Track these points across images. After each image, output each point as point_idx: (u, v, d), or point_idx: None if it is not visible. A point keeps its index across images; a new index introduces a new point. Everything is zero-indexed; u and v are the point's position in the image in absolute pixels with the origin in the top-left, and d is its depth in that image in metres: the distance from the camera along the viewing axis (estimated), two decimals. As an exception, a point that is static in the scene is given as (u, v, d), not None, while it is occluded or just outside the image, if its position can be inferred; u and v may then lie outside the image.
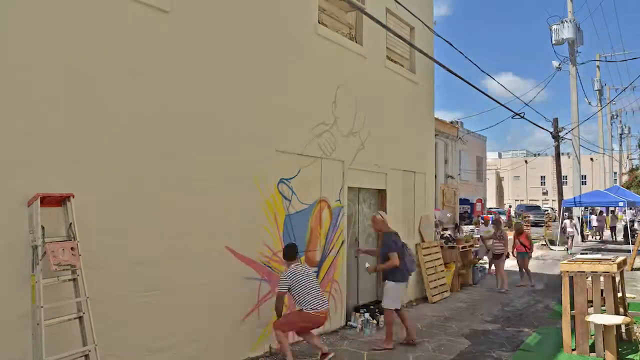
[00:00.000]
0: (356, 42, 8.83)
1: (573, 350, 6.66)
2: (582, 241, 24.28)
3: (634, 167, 42.90)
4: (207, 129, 5.81)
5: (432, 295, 10.27)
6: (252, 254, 6.35)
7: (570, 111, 23.56)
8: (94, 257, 4.52)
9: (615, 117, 45.32)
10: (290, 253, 6.23)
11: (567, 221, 21.41)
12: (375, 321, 7.92)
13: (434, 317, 8.93)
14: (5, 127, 4.07)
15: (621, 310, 7.16)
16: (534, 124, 23.97)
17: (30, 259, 4.13)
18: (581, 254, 13.85)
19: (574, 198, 21.46)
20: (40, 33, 4.32)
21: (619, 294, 7.25)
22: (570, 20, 23.27)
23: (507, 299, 10.71)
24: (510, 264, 13.32)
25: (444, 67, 9.43)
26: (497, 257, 12.04)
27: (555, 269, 14.27)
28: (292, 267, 6.09)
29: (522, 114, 16.32)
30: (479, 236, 13.82)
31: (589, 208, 27.64)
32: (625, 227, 22.21)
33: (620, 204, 20.02)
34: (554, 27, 23.45)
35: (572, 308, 6.72)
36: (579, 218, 24.49)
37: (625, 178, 42.71)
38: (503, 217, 27.14)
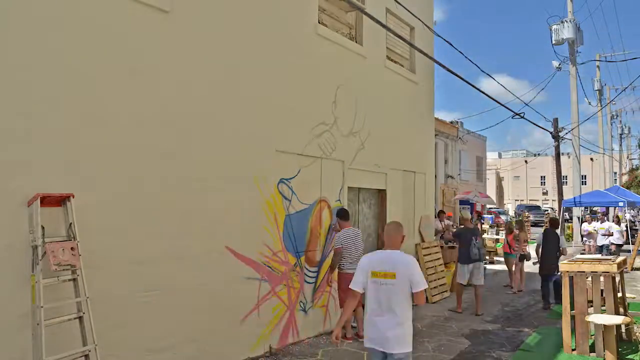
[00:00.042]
0: (356, 42, 8.83)
1: (573, 350, 6.66)
2: (582, 241, 24.26)
3: (634, 167, 42.88)
4: (207, 129, 5.81)
5: (432, 295, 10.26)
6: (252, 254, 6.35)
7: (570, 111, 23.55)
8: (94, 257, 4.52)
9: (615, 117, 45.27)
10: (346, 216, 7.42)
11: (585, 225, 20.20)
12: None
13: (434, 317, 8.93)
14: (5, 127, 4.07)
15: (621, 310, 7.16)
16: (534, 124, 23.94)
17: (30, 259, 4.13)
18: (581, 253, 13.85)
19: (574, 198, 21.43)
20: (40, 33, 4.33)
21: (620, 294, 7.25)
22: (570, 20, 23.26)
23: (507, 299, 10.72)
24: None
25: (444, 67, 9.42)
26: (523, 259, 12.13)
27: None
28: (345, 230, 7.18)
29: (522, 114, 16.32)
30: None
31: (588, 208, 27.61)
32: (625, 227, 22.17)
33: (620, 204, 20.00)
34: (554, 27, 23.44)
35: (572, 308, 6.72)
36: (579, 218, 24.48)
37: (625, 178, 42.68)
38: (503, 217, 27.13)
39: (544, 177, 66.05)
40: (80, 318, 4.30)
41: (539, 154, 54.87)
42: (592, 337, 6.65)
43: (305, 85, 7.42)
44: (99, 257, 4.62)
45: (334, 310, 7.88)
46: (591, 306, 6.82)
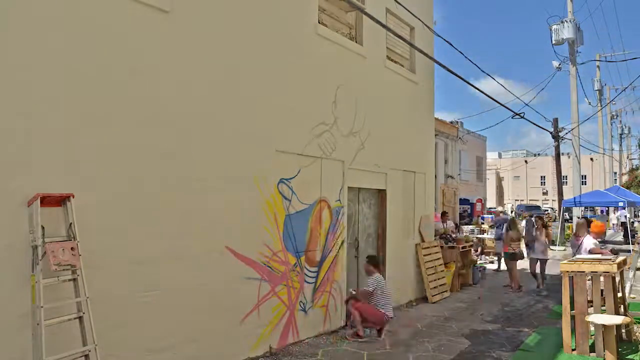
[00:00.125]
0: (356, 42, 8.83)
1: (573, 350, 6.66)
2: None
3: (634, 167, 42.87)
4: (207, 129, 5.81)
5: (432, 295, 10.27)
6: (252, 254, 6.35)
7: (570, 111, 23.58)
8: (94, 257, 4.52)
9: (615, 117, 45.31)
10: (377, 262, 7.98)
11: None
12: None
13: (434, 317, 8.93)
14: (5, 127, 4.07)
15: (621, 310, 7.16)
16: (534, 124, 23.98)
17: (30, 259, 4.13)
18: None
19: (574, 198, 21.45)
20: (40, 33, 4.33)
21: (620, 294, 7.25)
22: (570, 20, 23.27)
23: (507, 299, 10.72)
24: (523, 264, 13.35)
25: (444, 67, 9.42)
26: (513, 257, 12.12)
27: (555, 268, 14.27)
28: (377, 275, 7.68)
29: (522, 114, 16.33)
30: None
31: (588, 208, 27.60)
32: (625, 227, 22.16)
33: (620, 204, 20.02)
34: (554, 27, 23.46)
35: (572, 308, 6.72)
36: (578, 218, 24.45)
37: (625, 178, 42.68)
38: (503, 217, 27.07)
39: (544, 177, 66.07)
40: (80, 318, 4.30)
41: (539, 154, 54.86)
42: (592, 337, 6.65)
43: (305, 85, 7.42)
44: (99, 257, 4.62)
45: (334, 310, 7.88)
46: (591, 306, 6.82)
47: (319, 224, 7.63)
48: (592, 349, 6.53)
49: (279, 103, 6.88)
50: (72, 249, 4.23)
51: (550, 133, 23.04)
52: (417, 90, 10.87)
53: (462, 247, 12.09)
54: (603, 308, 6.73)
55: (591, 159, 53.23)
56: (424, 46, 10.15)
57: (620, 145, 49.12)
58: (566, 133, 23.39)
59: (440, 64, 9.64)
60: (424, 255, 10.54)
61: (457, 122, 27.62)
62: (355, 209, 8.81)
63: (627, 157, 49.30)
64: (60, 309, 4.25)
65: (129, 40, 5.02)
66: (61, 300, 4.27)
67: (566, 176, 38.83)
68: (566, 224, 23.68)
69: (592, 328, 6.61)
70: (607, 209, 28.08)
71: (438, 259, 11.08)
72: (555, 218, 27.59)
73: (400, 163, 10.01)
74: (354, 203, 8.73)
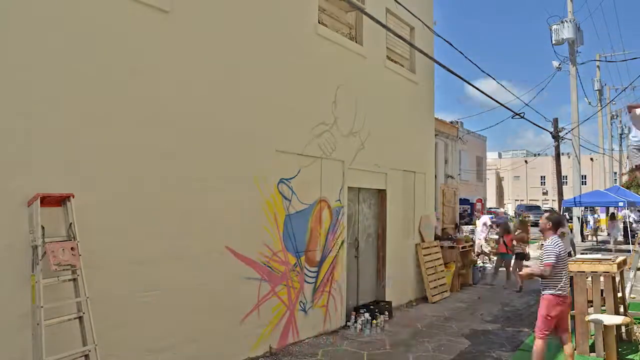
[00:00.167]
0: (356, 42, 8.83)
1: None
2: (582, 241, 24.29)
3: (634, 166, 42.82)
4: (207, 129, 5.81)
5: (432, 295, 10.27)
6: (252, 254, 6.35)
7: (570, 111, 23.60)
8: (94, 257, 4.52)
9: (615, 117, 45.29)
10: (560, 223, 5.85)
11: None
12: (375, 321, 7.91)
13: (434, 317, 8.93)
14: (5, 127, 4.07)
15: (621, 310, 7.16)
16: (534, 124, 23.99)
17: (30, 259, 4.13)
18: (581, 254, 13.85)
19: (574, 198, 21.45)
20: (40, 33, 4.33)
21: (620, 294, 7.25)
22: (570, 20, 23.28)
23: (507, 299, 10.72)
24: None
25: (444, 67, 9.42)
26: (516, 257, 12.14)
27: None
28: (555, 237, 5.64)
29: (522, 114, 16.32)
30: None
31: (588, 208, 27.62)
32: (625, 227, 22.13)
33: (620, 204, 20.01)
34: (554, 27, 23.46)
35: (572, 308, 6.72)
36: (578, 218, 24.48)
37: (625, 178, 42.66)
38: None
39: (544, 177, 66.04)
40: (80, 318, 4.31)
41: (539, 154, 54.88)
42: (592, 337, 6.65)
43: (305, 85, 7.42)
44: (99, 257, 4.62)
45: (334, 310, 7.88)
46: (591, 306, 6.82)
47: (319, 224, 7.63)
48: (592, 349, 6.53)
49: (279, 103, 6.87)
50: (72, 249, 4.23)
51: (550, 133, 23.03)
52: (417, 90, 10.87)
53: (462, 247, 12.10)
54: (603, 308, 6.74)
55: (591, 159, 53.22)
56: (424, 46, 10.15)
57: (620, 145, 49.09)
58: (566, 133, 23.39)
59: (440, 64, 9.64)
60: (424, 255, 10.54)
61: (457, 122, 27.61)
62: (355, 209, 8.81)
63: (627, 157, 49.29)
64: (60, 309, 4.26)
65: (129, 40, 5.02)
66: (61, 300, 4.27)
67: (566, 176, 38.85)
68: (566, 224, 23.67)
69: (592, 328, 6.61)
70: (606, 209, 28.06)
71: (438, 259, 11.09)
72: (555, 218, 27.50)
73: (400, 163, 10.01)
74: (354, 203, 8.73)
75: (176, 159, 5.44)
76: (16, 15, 4.18)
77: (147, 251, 5.09)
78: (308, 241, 7.40)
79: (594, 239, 26.35)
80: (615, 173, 46.54)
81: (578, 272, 6.72)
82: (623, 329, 7.19)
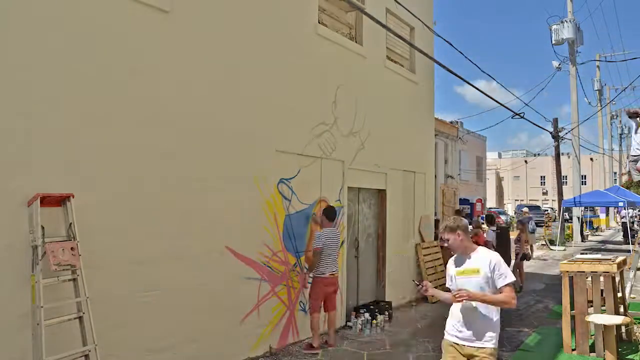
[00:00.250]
0: (356, 42, 8.83)
1: (573, 350, 6.66)
2: (582, 241, 24.29)
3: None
4: (207, 129, 5.81)
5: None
6: (252, 254, 6.35)
7: (570, 111, 23.61)
8: (94, 257, 4.52)
9: (615, 117, 45.31)
10: (332, 215, 7.13)
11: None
12: (375, 321, 7.91)
13: (434, 316, 8.92)
14: (5, 127, 4.07)
15: (621, 310, 7.16)
16: (534, 124, 23.99)
17: (30, 259, 4.13)
18: (581, 254, 13.86)
19: (574, 198, 21.46)
20: (40, 33, 4.32)
21: (620, 294, 7.25)
22: (570, 20, 23.29)
23: (507, 299, 10.69)
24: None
25: (444, 67, 9.43)
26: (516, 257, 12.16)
27: (555, 269, 14.27)
28: (327, 230, 6.95)
29: (522, 114, 16.34)
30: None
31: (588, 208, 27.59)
32: (625, 227, 22.14)
33: (620, 204, 20.02)
34: (554, 27, 23.49)
35: (572, 308, 6.72)
36: (578, 218, 24.47)
37: (625, 178, 42.67)
38: (503, 217, 27.12)
39: (544, 177, 66.05)
40: (80, 318, 4.30)
41: (538, 154, 54.88)
42: (592, 337, 6.65)
43: (305, 85, 7.42)
44: (99, 257, 4.62)
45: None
46: (591, 306, 6.82)
47: (318, 224, 7.61)
48: (592, 349, 6.53)
49: (279, 103, 6.87)
50: (72, 249, 4.22)
51: (550, 133, 23.05)
52: (417, 90, 10.87)
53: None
54: (603, 308, 6.73)
55: (591, 159, 53.23)
56: (424, 46, 10.15)
57: (620, 145, 49.10)
58: (566, 133, 23.41)
59: (440, 64, 9.65)
60: (424, 255, 10.54)
61: (457, 122, 27.61)
62: (355, 209, 8.81)
63: (627, 157, 49.22)
64: (60, 309, 4.25)
65: (129, 40, 5.02)
66: (61, 300, 4.27)
67: (566, 176, 38.84)
68: (566, 224, 23.68)
69: (592, 328, 6.61)
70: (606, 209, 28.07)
71: (438, 259, 11.09)
72: (555, 218, 27.58)
73: (400, 163, 10.01)
74: (354, 203, 8.73)
75: (176, 159, 5.44)
76: (16, 15, 4.18)
77: (147, 251, 5.09)
78: (308, 241, 7.39)
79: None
80: (615, 173, 46.55)
81: (578, 272, 6.72)
82: (623, 329, 7.19)
